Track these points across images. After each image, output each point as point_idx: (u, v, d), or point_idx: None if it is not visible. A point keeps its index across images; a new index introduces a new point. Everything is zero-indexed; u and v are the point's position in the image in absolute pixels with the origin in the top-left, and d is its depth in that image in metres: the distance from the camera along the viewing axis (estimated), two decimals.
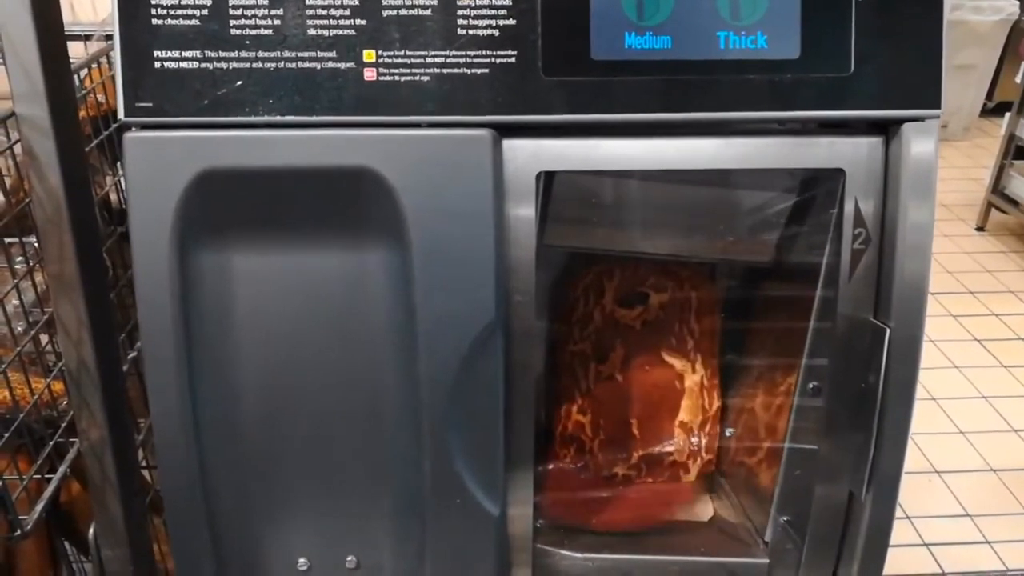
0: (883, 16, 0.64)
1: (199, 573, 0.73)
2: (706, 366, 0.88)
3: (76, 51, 0.89)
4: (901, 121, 0.66)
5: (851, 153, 0.68)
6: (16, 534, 0.72)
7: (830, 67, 0.64)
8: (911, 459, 0.72)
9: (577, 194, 0.80)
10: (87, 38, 0.97)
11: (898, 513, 0.74)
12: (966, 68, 3.54)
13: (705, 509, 0.95)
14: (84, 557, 1.05)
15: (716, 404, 0.90)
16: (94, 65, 0.89)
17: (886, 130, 0.67)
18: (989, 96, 3.80)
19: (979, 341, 2.27)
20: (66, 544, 1.02)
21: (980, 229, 2.91)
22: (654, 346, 0.87)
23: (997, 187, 2.81)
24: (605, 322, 0.88)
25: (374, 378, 0.70)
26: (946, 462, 1.81)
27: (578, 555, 0.83)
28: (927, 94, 0.65)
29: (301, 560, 0.76)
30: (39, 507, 0.75)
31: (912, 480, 1.75)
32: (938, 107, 0.65)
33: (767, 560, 0.83)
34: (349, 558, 0.76)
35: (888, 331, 0.68)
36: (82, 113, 0.87)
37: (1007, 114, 2.76)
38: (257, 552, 0.75)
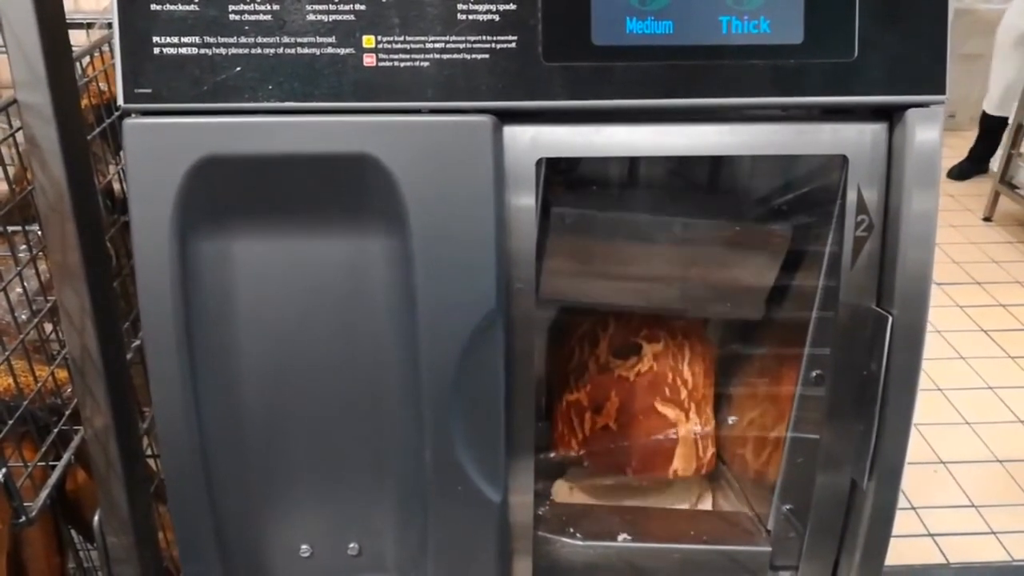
0: (887, 0, 0.63)
1: (203, 560, 0.73)
2: (700, 413, 0.90)
3: (78, 39, 0.89)
4: (905, 107, 0.65)
5: (855, 139, 0.67)
6: (21, 520, 0.73)
7: (834, 52, 0.64)
8: (916, 450, 0.72)
9: (572, 249, 0.81)
10: (89, 26, 0.97)
11: (903, 503, 0.74)
12: (973, 57, 3.50)
13: (704, 502, 0.95)
14: (90, 545, 1.06)
15: (711, 451, 0.91)
16: (96, 53, 0.89)
17: (890, 116, 0.67)
18: None
19: (986, 332, 2.26)
20: (72, 532, 1.02)
21: (987, 219, 2.89)
22: (648, 396, 0.88)
23: (1004, 177, 2.79)
24: (600, 372, 0.89)
25: (375, 366, 0.70)
26: (952, 453, 1.81)
27: (579, 543, 0.83)
28: (932, 79, 0.65)
29: (304, 547, 0.76)
30: (44, 494, 0.76)
31: (918, 471, 1.75)
32: (943, 92, 0.65)
33: (769, 548, 0.83)
34: (351, 545, 0.76)
35: (891, 318, 0.68)
36: (84, 102, 0.87)
37: (1015, 103, 2.73)
38: (260, 539, 0.75)
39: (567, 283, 0.82)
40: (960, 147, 3.27)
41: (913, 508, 1.64)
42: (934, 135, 0.65)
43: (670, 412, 0.88)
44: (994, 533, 1.60)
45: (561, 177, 0.86)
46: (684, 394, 0.88)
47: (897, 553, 0.77)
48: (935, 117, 0.65)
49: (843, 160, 0.68)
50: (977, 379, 2.06)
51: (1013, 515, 1.64)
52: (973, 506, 1.66)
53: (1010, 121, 2.75)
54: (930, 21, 0.64)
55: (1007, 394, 2.01)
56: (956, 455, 1.80)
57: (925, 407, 0.68)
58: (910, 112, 0.65)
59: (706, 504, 0.95)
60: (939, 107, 0.65)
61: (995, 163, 2.87)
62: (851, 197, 0.68)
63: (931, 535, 1.58)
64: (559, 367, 0.92)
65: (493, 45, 0.62)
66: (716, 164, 0.92)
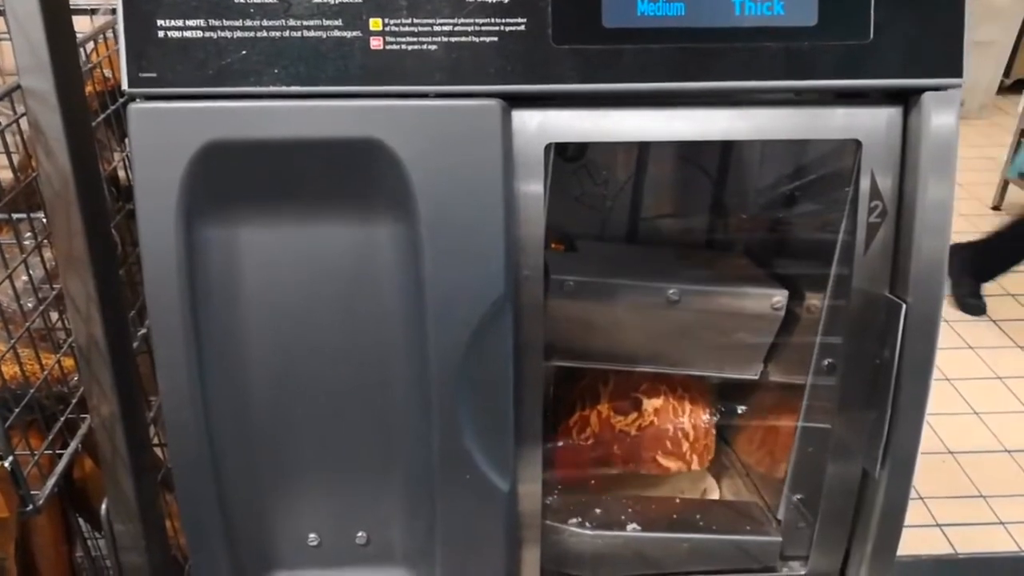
0: None
1: (210, 548, 0.73)
2: (701, 461, 0.91)
3: (82, 26, 0.88)
4: (921, 90, 0.64)
5: (868, 124, 0.66)
6: (28, 508, 0.73)
7: (848, 34, 0.63)
8: (925, 440, 0.72)
9: (576, 320, 0.83)
10: (93, 12, 0.96)
11: (911, 494, 0.74)
12: (983, 45, 3.48)
13: (711, 491, 0.95)
14: (98, 533, 1.06)
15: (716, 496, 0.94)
16: (100, 39, 0.88)
17: (905, 100, 0.66)
18: (1007, 73, 3.74)
19: (994, 321, 2.25)
20: (81, 521, 1.02)
21: (996, 208, 2.88)
22: (650, 450, 0.90)
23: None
24: (601, 426, 0.91)
25: (383, 353, 0.69)
26: (960, 443, 1.80)
27: (587, 532, 0.82)
28: (948, 62, 0.63)
29: (311, 536, 0.76)
30: (50, 482, 0.76)
31: (925, 461, 1.74)
32: (959, 75, 0.64)
33: (779, 538, 0.83)
34: (359, 534, 0.76)
35: (904, 306, 0.67)
36: (89, 88, 0.86)
37: None
38: (267, 528, 0.75)
39: (564, 346, 0.84)
40: (969, 136, 3.25)
41: (921, 498, 1.63)
42: (951, 119, 0.64)
43: (672, 464, 0.90)
44: (1002, 523, 1.59)
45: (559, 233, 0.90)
46: (686, 447, 0.90)
47: (905, 544, 0.77)
48: (952, 101, 0.64)
49: (856, 145, 0.67)
50: (985, 369, 2.06)
51: (1021, 505, 1.63)
52: (981, 496, 1.66)
53: (1020, 108, 2.73)
54: (946, 2, 0.63)
55: (1016, 384, 2.00)
56: (964, 445, 1.79)
57: (933, 397, 0.69)
58: (926, 95, 0.64)
59: (713, 495, 0.95)
60: (956, 90, 0.64)
61: (1004, 151, 2.84)
62: (864, 183, 0.67)
63: (939, 525, 1.58)
64: (561, 419, 0.94)
65: (502, 28, 0.61)
66: (724, 156, 0.91)
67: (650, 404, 0.89)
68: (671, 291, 0.82)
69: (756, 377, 0.86)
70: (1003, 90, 3.77)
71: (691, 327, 0.84)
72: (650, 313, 0.83)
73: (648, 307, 0.83)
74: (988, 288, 2.38)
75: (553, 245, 0.89)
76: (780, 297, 0.82)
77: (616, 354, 0.86)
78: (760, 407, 0.92)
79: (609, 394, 0.91)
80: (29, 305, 0.81)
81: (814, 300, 0.79)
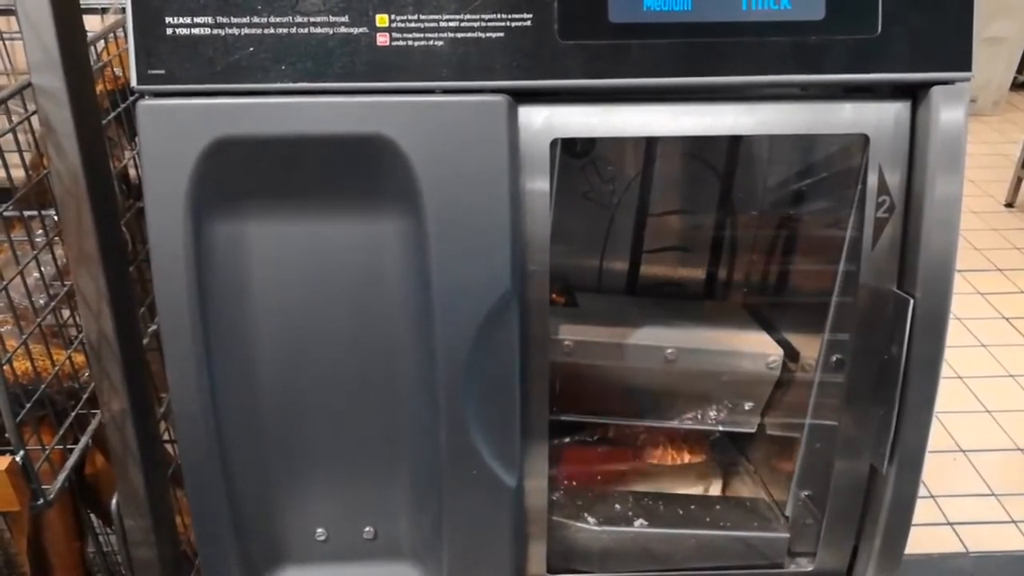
0: None
1: (219, 543, 0.74)
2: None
3: (92, 25, 0.89)
4: (930, 85, 0.64)
5: (876, 118, 0.66)
6: (39, 503, 0.73)
7: (856, 28, 0.62)
8: (936, 438, 0.71)
9: (576, 376, 0.85)
10: (104, 11, 0.97)
11: (922, 492, 0.74)
12: (996, 41, 3.44)
13: (714, 487, 0.95)
14: (109, 529, 1.06)
15: None
16: (110, 37, 0.89)
17: (914, 94, 0.65)
18: (1020, 69, 3.70)
19: (1007, 319, 2.23)
20: (92, 516, 1.03)
21: (1009, 205, 2.85)
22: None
23: None
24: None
25: (390, 348, 0.69)
26: (971, 441, 1.79)
27: (594, 528, 0.82)
28: (957, 56, 0.63)
29: (319, 530, 0.76)
30: (61, 476, 0.76)
31: (937, 459, 1.73)
32: (968, 69, 0.63)
33: (787, 535, 0.83)
34: (367, 528, 0.76)
35: (912, 301, 0.66)
36: (99, 87, 0.87)
37: None
38: (276, 523, 0.76)
39: (563, 400, 0.85)
40: (982, 132, 3.22)
41: (932, 497, 1.62)
42: (959, 114, 0.64)
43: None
44: (1014, 522, 1.58)
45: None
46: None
47: (916, 542, 0.76)
48: (960, 95, 0.64)
49: (864, 140, 0.66)
50: (997, 367, 2.04)
51: None
52: (993, 495, 1.64)
53: None
54: None
55: None
56: (976, 443, 1.78)
57: (944, 395, 0.68)
58: (935, 90, 0.64)
59: (716, 491, 0.95)
60: (965, 84, 0.64)
61: (1017, 148, 2.82)
62: (872, 178, 0.67)
63: (950, 524, 1.57)
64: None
65: (508, 23, 0.61)
66: (732, 153, 0.91)
67: (649, 454, 0.91)
68: (668, 351, 0.83)
69: (753, 431, 0.88)
70: (1016, 86, 3.74)
71: (688, 384, 0.86)
72: (648, 371, 0.85)
73: (646, 365, 0.85)
74: (1001, 286, 2.37)
75: (554, 297, 0.90)
76: (775, 356, 0.84)
77: (614, 408, 0.88)
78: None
79: (609, 442, 0.92)
80: (40, 302, 0.81)
81: (809, 360, 0.81)
